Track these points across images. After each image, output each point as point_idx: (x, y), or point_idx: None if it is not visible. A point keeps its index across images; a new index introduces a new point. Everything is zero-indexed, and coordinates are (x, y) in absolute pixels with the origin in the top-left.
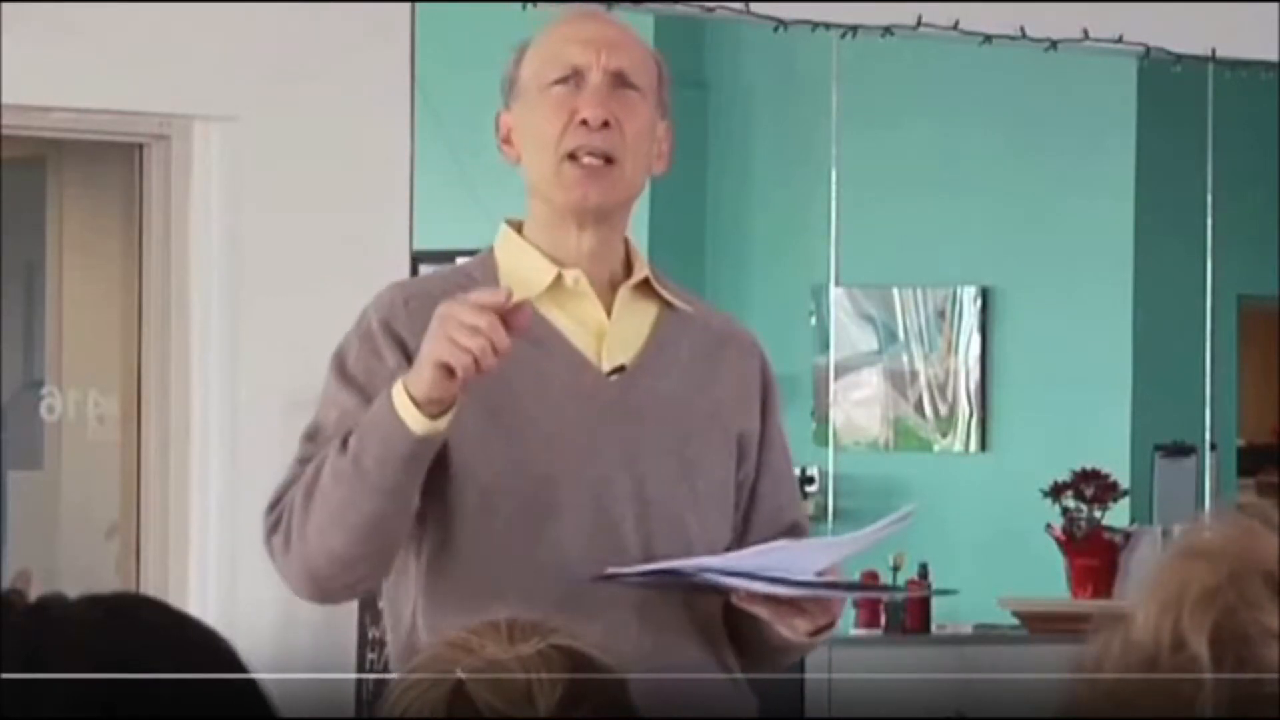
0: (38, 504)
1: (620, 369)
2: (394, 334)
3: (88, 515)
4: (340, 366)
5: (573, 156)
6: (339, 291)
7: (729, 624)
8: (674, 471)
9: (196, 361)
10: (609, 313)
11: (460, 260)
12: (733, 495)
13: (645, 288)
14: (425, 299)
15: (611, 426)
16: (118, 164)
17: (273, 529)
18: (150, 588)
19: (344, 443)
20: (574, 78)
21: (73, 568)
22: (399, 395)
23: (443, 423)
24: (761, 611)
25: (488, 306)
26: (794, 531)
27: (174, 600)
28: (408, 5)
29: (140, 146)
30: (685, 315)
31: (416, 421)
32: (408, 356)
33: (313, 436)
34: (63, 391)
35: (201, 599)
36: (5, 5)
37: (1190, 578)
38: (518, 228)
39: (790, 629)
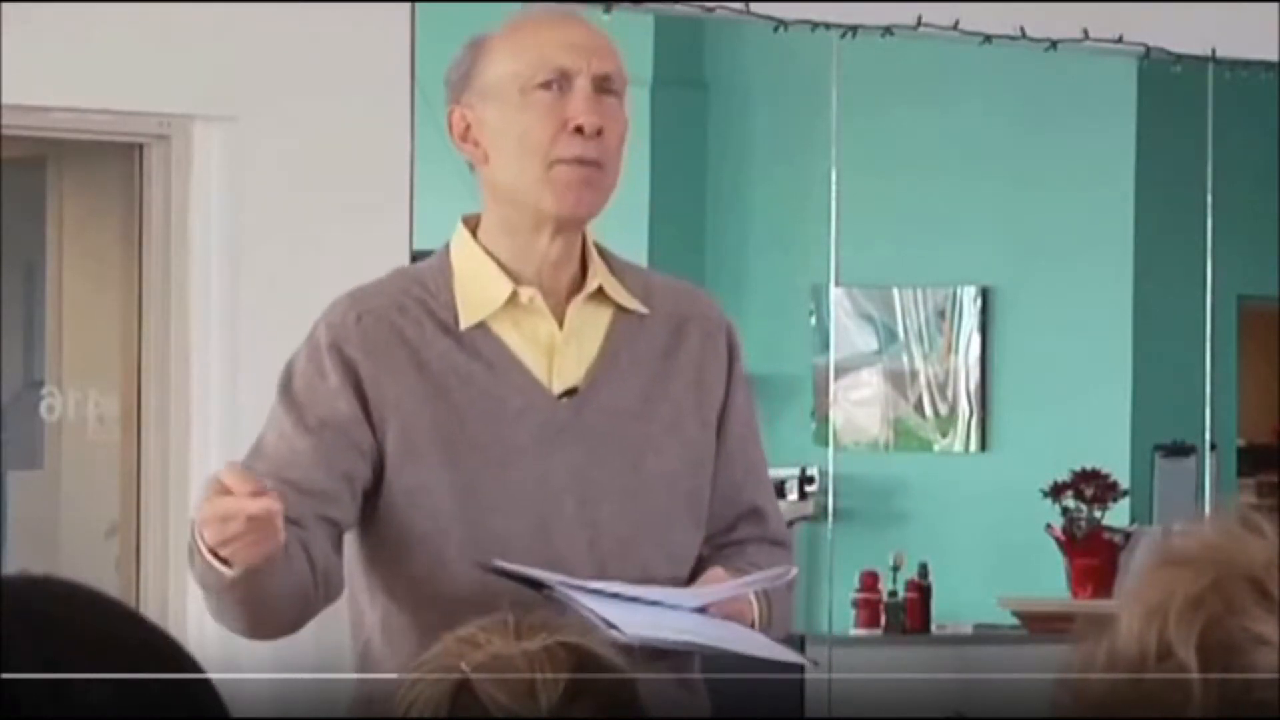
0: (38, 504)
1: (573, 390)
2: (342, 355)
3: (88, 515)
4: (286, 384)
5: (560, 162)
6: (339, 292)
7: None
8: (629, 491)
9: (196, 361)
10: (562, 324)
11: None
12: (700, 499)
13: (599, 293)
14: (378, 315)
15: (562, 451)
16: (118, 164)
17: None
18: (150, 588)
19: (193, 545)
20: (560, 81)
21: (73, 568)
22: (200, 545)
23: (255, 563)
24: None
25: (238, 515)
26: (754, 517)
27: (174, 602)
28: (408, 5)
29: (140, 146)
30: (639, 316)
31: (224, 572)
32: (356, 379)
33: (256, 454)
34: (63, 391)
35: (201, 599)
36: (5, 5)
37: (1174, 586)
38: (473, 227)
39: None
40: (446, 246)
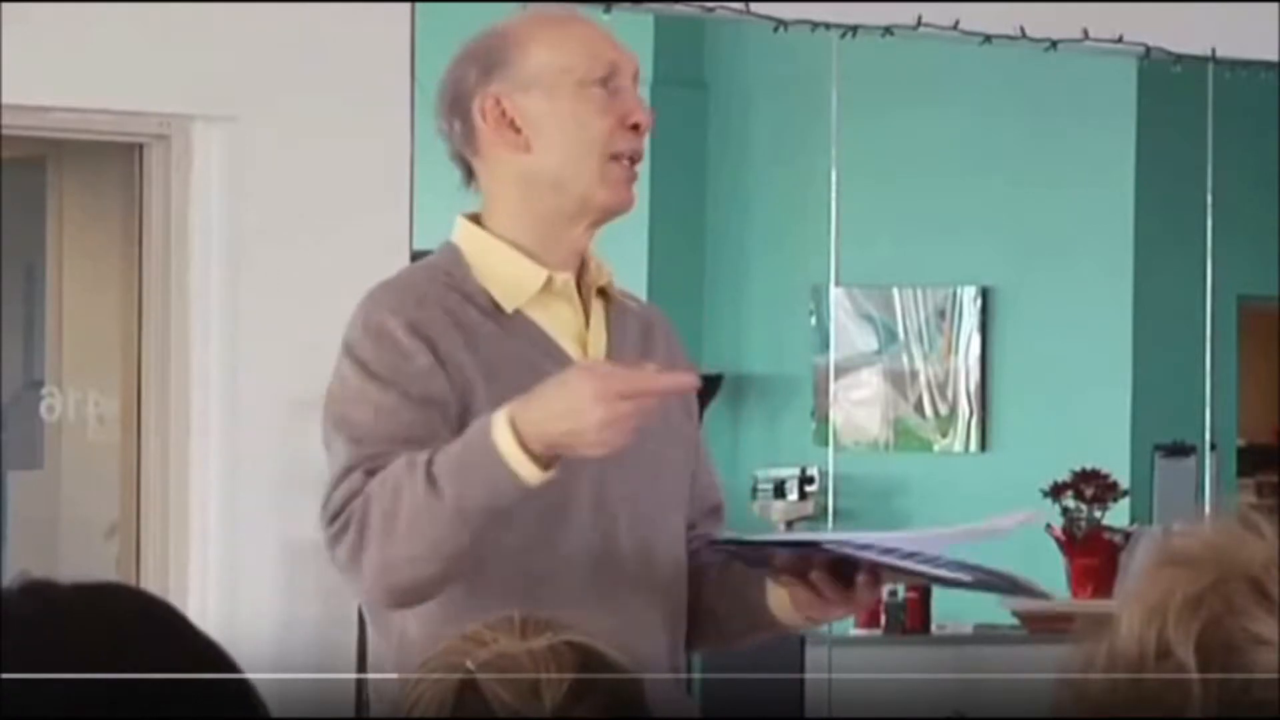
0: (38, 504)
1: None
2: (421, 334)
3: (88, 515)
4: (363, 366)
5: (614, 157)
6: (339, 291)
7: (702, 599)
8: (648, 471)
9: (196, 361)
10: (587, 308)
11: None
12: (688, 493)
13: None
14: (435, 300)
15: None
16: (118, 164)
17: (336, 540)
18: (150, 588)
19: (429, 477)
20: (611, 77)
21: (73, 568)
22: (510, 449)
23: (555, 468)
24: (801, 594)
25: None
26: (716, 515)
27: (174, 601)
28: (408, 5)
29: (140, 146)
30: (627, 310)
31: (534, 475)
32: (440, 359)
33: (359, 439)
34: (63, 391)
35: (201, 599)
36: (5, 5)
37: (1173, 586)
38: (476, 220)
39: (808, 615)
40: (448, 243)
